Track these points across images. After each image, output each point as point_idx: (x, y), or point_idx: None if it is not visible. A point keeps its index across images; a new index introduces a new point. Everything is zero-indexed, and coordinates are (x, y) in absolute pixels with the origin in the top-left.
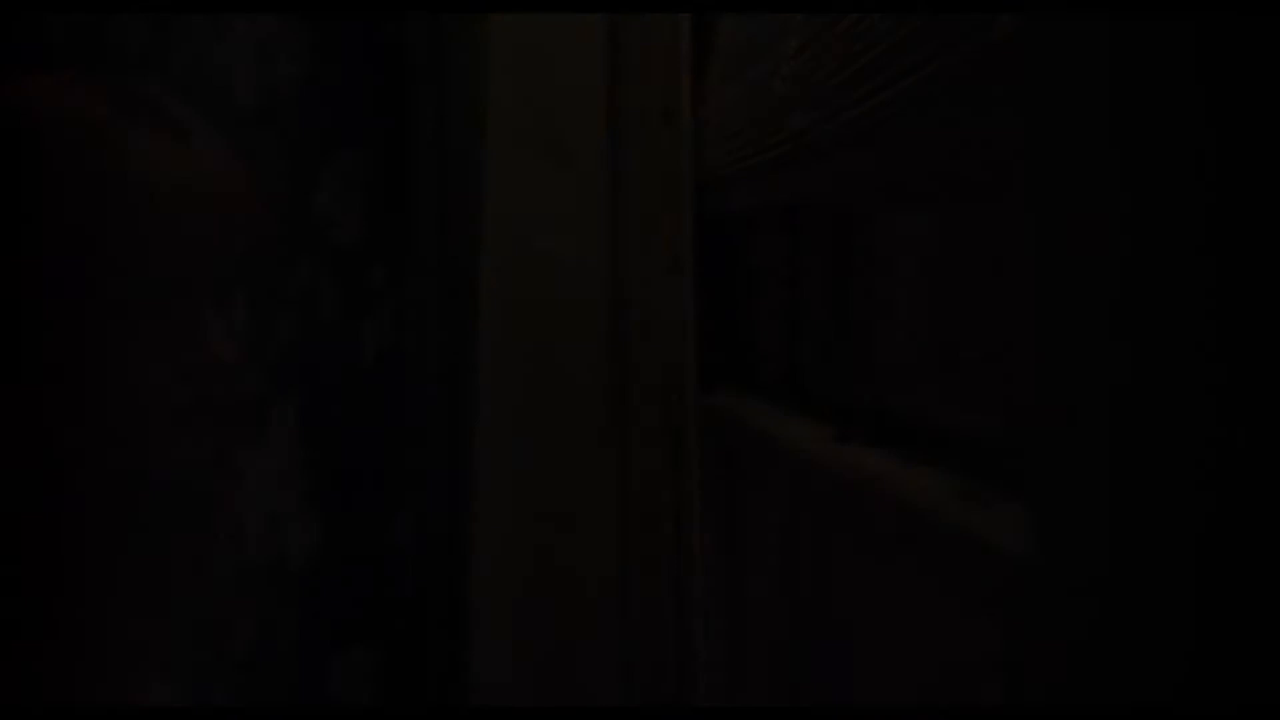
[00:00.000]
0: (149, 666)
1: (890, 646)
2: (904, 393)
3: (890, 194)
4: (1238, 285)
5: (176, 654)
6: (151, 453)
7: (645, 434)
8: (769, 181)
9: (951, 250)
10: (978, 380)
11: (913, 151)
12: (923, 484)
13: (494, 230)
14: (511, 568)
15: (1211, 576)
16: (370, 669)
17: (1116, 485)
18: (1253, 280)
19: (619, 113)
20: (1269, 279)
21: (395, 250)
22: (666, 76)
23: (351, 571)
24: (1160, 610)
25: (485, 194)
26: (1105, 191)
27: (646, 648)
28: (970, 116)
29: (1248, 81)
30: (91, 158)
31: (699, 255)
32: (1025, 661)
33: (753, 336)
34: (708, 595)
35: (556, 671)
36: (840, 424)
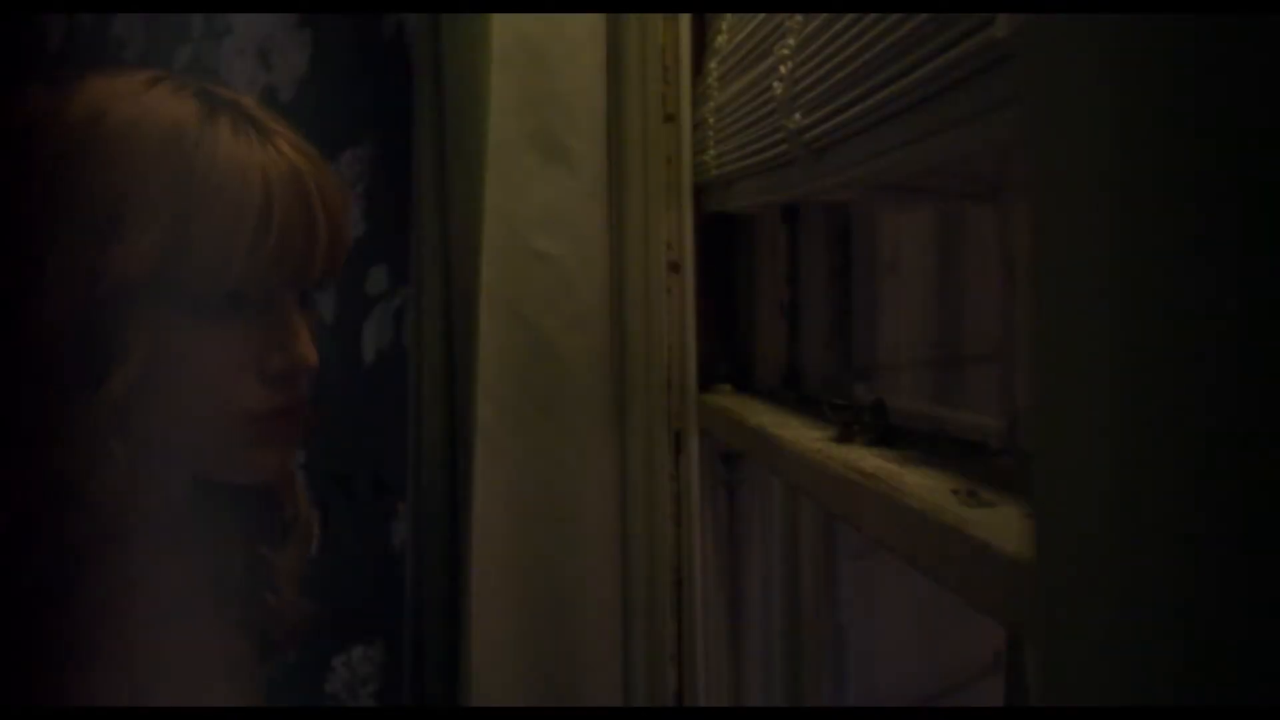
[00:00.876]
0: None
1: (890, 646)
2: (904, 393)
3: (890, 194)
4: (1238, 285)
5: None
6: (237, 455)
7: (646, 434)
8: (769, 181)
9: (952, 250)
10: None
11: (913, 151)
12: (923, 484)
13: (494, 230)
14: (511, 567)
15: (1211, 576)
16: (370, 669)
17: (1117, 485)
18: (1253, 280)
19: (619, 113)
20: (1269, 279)
21: (395, 250)
22: (666, 76)
23: (351, 571)
24: (1160, 610)
25: (485, 194)
26: (1105, 191)
27: (646, 648)
28: (970, 117)
29: (1247, 81)
30: (178, 157)
31: (699, 255)
32: (1025, 661)
33: (753, 336)
34: (708, 595)
35: (556, 671)
36: (840, 424)
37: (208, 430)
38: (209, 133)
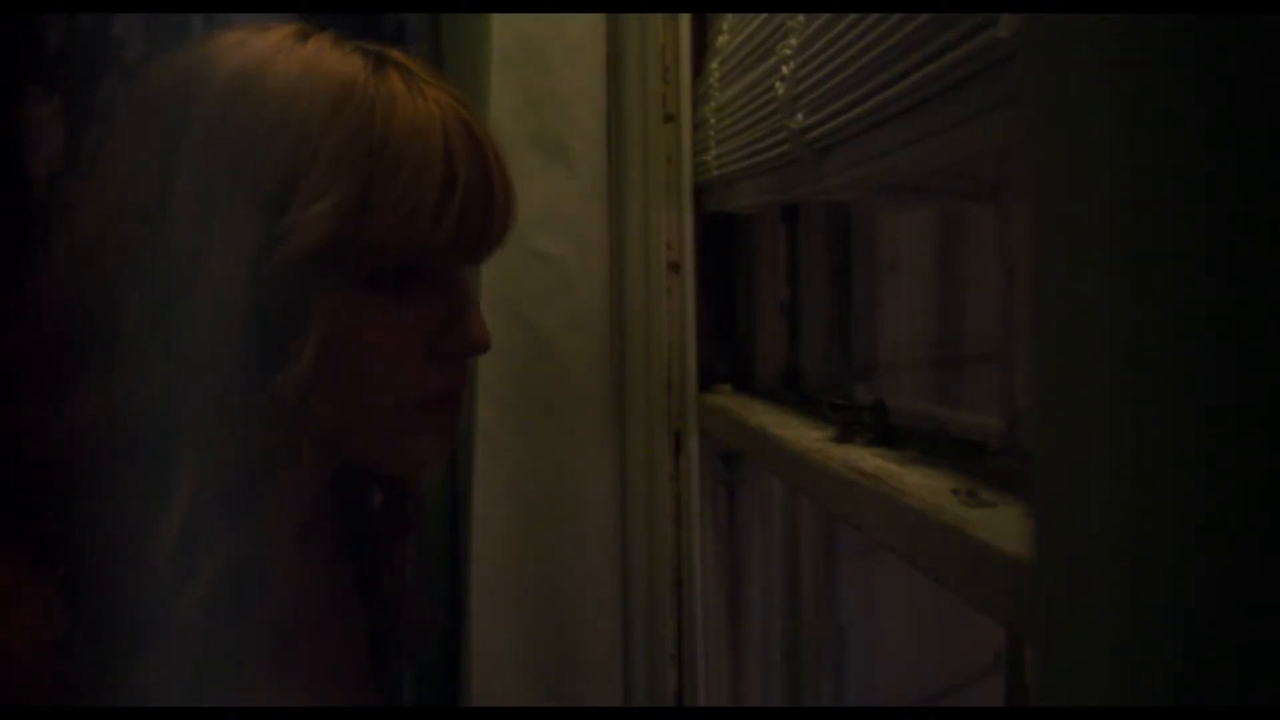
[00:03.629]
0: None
1: (890, 646)
2: (904, 393)
3: (891, 194)
4: (1238, 285)
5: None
6: (396, 444)
7: (646, 434)
8: (770, 182)
9: (952, 250)
10: (978, 380)
11: (915, 152)
12: (923, 484)
13: None
14: (511, 567)
15: (1211, 576)
16: None
17: (1117, 485)
18: (1253, 280)
19: (619, 113)
20: (1269, 279)
21: None
22: (666, 76)
23: None
24: (1160, 610)
25: None
26: (1105, 191)
27: (646, 648)
28: (973, 117)
29: (1247, 81)
30: (353, 114)
31: (699, 255)
32: (1025, 661)
33: (753, 336)
34: (708, 595)
35: (556, 670)
36: (840, 424)
37: (372, 418)
38: (383, 88)
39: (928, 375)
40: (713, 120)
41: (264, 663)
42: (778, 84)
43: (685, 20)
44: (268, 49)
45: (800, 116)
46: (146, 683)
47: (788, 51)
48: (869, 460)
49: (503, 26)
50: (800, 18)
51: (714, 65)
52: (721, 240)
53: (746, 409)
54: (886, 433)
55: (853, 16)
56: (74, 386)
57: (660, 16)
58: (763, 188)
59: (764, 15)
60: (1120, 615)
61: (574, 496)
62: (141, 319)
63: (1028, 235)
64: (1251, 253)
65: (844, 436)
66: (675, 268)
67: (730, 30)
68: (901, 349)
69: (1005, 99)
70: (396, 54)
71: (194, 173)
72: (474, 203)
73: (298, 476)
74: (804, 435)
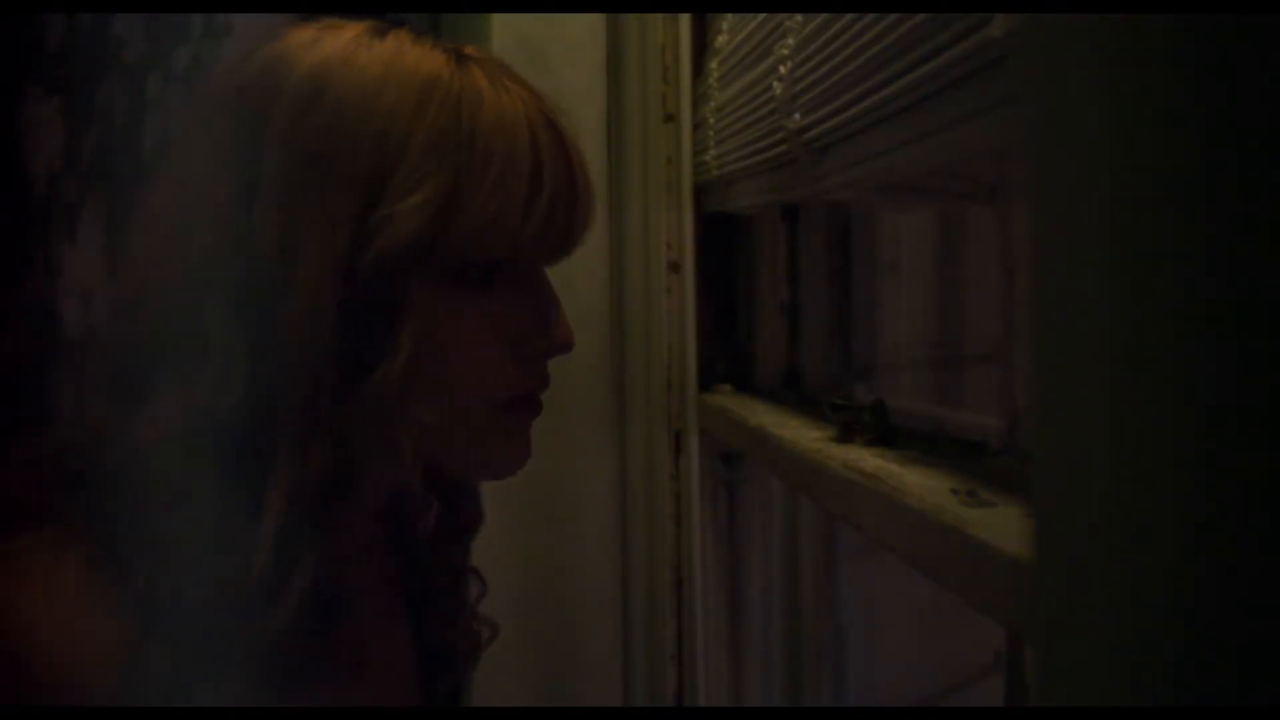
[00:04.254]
0: None
1: (890, 646)
2: (904, 393)
3: (890, 194)
4: (1238, 285)
5: None
6: (477, 450)
7: (646, 434)
8: (769, 181)
9: (952, 250)
10: (978, 380)
11: (913, 151)
12: (923, 484)
13: None
14: (510, 567)
15: (1211, 576)
16: None
17: (1117, 485)
18: (1253, 280)
19: (619, 113)
20: (1269, 279)
21: None
22: (666, 76)
23: None
24: (1160, 610)
25: None
26: (1105, 191)
27: (646, 648)
28: (970, 115)
29: (1247, 81)
30: (441, 107)
31: (699, 255)
32: (1025, 661)
33: (753, 336)
34: (708, 595)
35: (556, 670)
36: (840, 424)
37: (457, 419)
38: (467, 83)
39: (928, 375)
40: (712, 120)
41: (333, 684)
42: (776, 84)
43: (685, 20)
44: (344, 45)
45: (798, 116)
46: (221, 699)
47: (785, 51)
48: (869, 460)
49: (503, 26)
50: (798, 18)
51: (713, 65)
52: (721, 240)
53: (746, 409)
54: (886, 433)
55: (849, 16)
56: (151, 393)
57: (660, 16)
58: (762, 188)
59: (762, 15)
60: (1120, 615)
61: (574, 496)
62: (224, 322)
63: (1028, 235)
64: (1251, 253)
65: (844, 436)
66: (675, 268)
67: (730, 30)
68: (901, 349)
69: (1002, 99)
70: (474, 50)
71: (277, 170)
72: (560, 199)
73: (392, 482)
74: (804, 435)
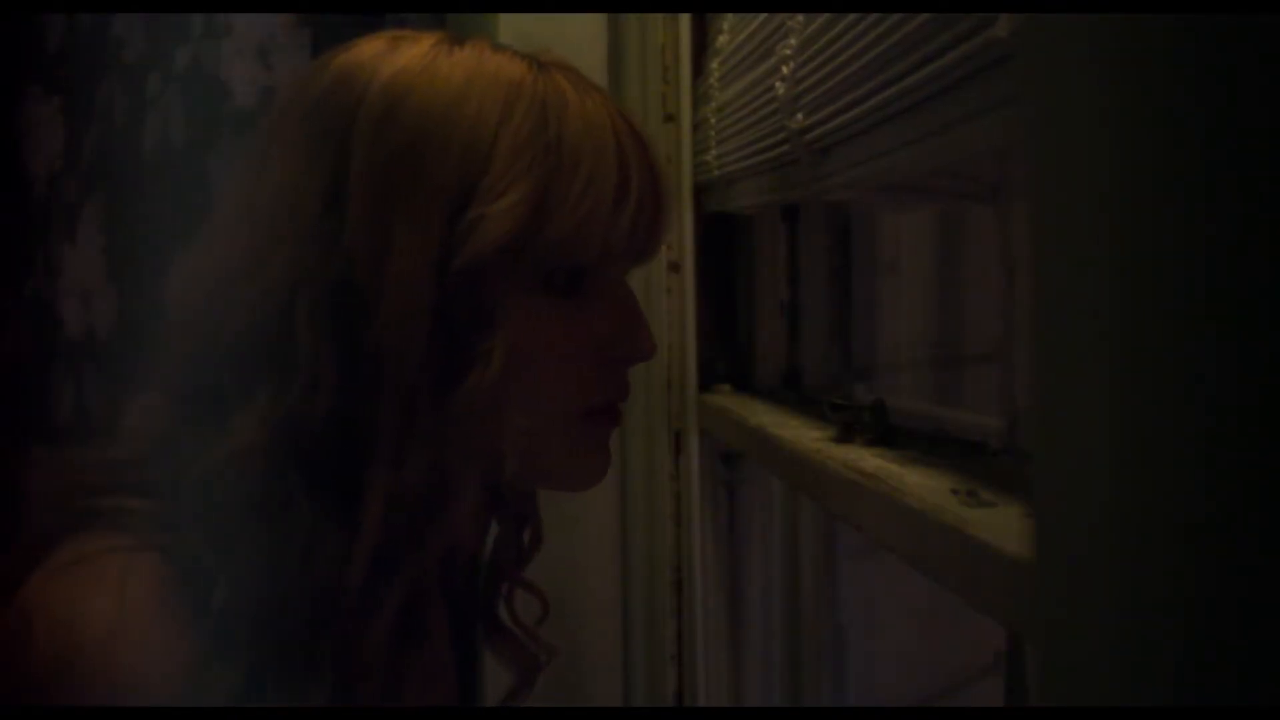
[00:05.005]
0: None
1: (890, 646)
2: (904, 393)
3: (891, 194)
4: (1238, 285)
5: None
6: (560, 460)
7: (646, 434)
8: (770, 182)
9: (952, 250)
10: (978, 380)
11: (915, 151)
12: (923, 484)
13: None
14: None
15: (1211, 576)
16: None
17: (1117, 485)
18: (1253, 280)
19: None
20: (1269, 279)
21: None
22: (666, 76)
23: None
24: (1160, 610)
25: None
26: (1105, 191)
27: (646, 648)
28: (973, 116)
29: (1247, 80)
30: (529, 111)
31: (699, 255)
32: (1025, 661)
33: (753, 336)
34: (708, 595)
35: (556, 670)
36: (840, 424)
37: (542, 428)
38: (551, 88)
39: (928, 375)
40: (713, 120)
41: (405, 699)
42: (778, 84)
43: (685, 20)
44: (423, 54)
45: (800, 116)
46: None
47: (787, 52)
48: (869, 460)
49: (504, 26)
50: (800, 18)
51: (714, 65)
52: (721, 240)
53: (746, 409)
54: (886, 433)
55: (852, 17)
56: (238, 404)
57: (660, 16)
58: (763, 188)
59: (764, 15)
60: (1120, 615)
61: (574, 497)
62: (315, 328)
63: (1028, 235)
64: (1251, 253)
65: (844, 436)
66: (675, 268)
67: (730, 30)
68: (901, 349)
69: (1005, 99)
70: (553, 58)
71: (363, 177)
72: (646, 204)
73: (484, 491)
74: (804, 435)
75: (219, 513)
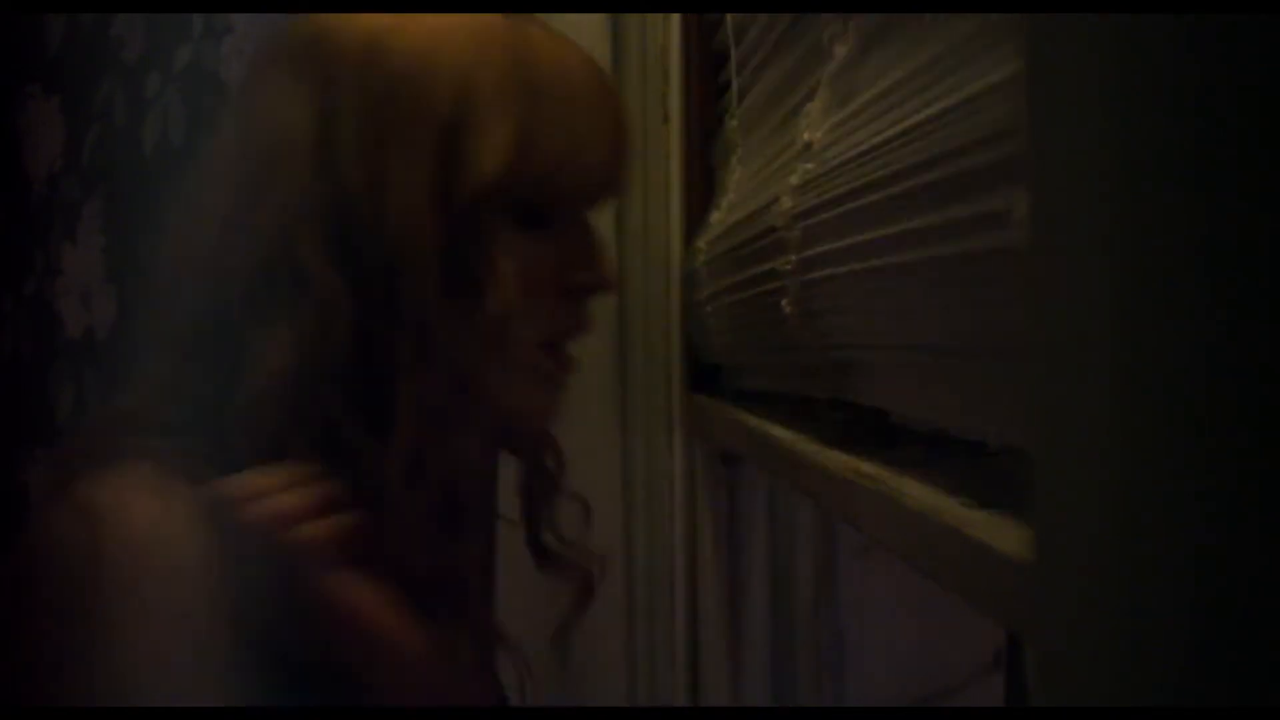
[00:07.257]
0: None
1: (890, 646)
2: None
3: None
4: (1238, 285)
5: None
6: (516, 392)
7: (646, 434)
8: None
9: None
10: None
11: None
12: (922, 486)
13: None
14: (511, 568)
15: (1211, 576)
16: None
17: (1117, 485)
18: (1253, 280)
19: None
20: (1269, 279)
21: None
22: (666, 77)
23: None
24: (1160, 610)
25: None
26: (1106, 190)
27: (646, 648)
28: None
29: (1248, 80)
30: (509, 49)
31: None
32: (1025, 661)
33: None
34: (708, 595)
35: (559, 671)
36: (840, 424)
37: (509, 354)
38: (523, 33)
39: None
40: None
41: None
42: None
43: (675, 20)
44: (392, 16)
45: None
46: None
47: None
48: (869, 461)
49: None
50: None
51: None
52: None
53: (745, 409)
54: (887, 433)
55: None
56: (256, 336)
57: (660, 18)
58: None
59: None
60: (1120, 615)
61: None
62: (322, 257)
63: (1027, 234)
64: (1252, 253)
65: (844, 437)
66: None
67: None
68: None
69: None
70: (523, 15)
71: (356, 110)
72: (617, 141)
73: (477, 451)
74: (804, 435)
75: (264, 439)
